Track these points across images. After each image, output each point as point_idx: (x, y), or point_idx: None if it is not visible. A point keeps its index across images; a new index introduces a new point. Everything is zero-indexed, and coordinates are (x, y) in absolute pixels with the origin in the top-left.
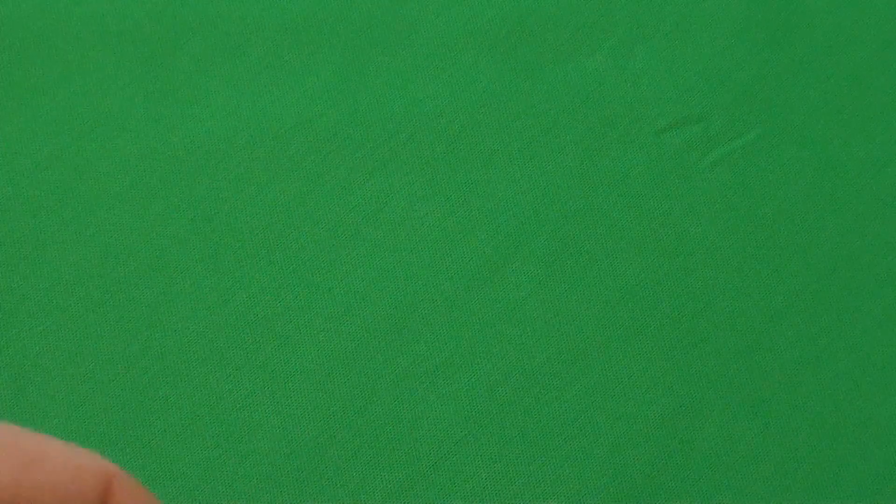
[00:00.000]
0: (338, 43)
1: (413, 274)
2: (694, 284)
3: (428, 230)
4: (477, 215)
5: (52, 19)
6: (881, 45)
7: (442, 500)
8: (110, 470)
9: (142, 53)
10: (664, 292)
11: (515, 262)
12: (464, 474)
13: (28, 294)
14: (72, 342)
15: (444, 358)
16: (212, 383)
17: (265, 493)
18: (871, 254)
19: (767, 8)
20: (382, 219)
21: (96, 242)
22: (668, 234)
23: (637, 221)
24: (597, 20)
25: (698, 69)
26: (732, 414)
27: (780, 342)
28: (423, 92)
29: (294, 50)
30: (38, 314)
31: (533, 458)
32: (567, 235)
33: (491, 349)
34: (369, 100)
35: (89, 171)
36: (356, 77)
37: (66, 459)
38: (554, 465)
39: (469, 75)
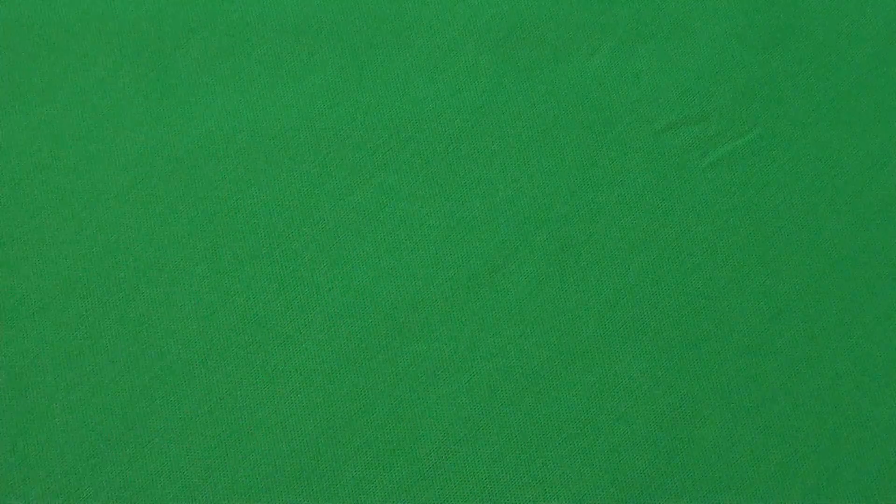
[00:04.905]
0: (338, 43)
1: (413, 274)
2: (694, 284)
3: (428, 230)
4: (477, 215)
5: (52, 19)
6: (881, 45)
7: (442, 500)
8: None
9: (142, 53)
10: (664, 292)
11: (515, 262)
12: (464, 474)
13: (28, 294)
14: (72, 342)
15: (444, 358)
16: (212, 383)
17: (265, 493)
18: (871, 254)
19: (767, 8)
20: (383, 219)
21: (96, 242)
22: (668, 234)
23: (637, 221)
24: (597, 20)
25: (698, 69)
26: (732, 414)
27: (780, 342)
28: (423, 92)
29: (294, 50)
30: (38, 314)
31: (533, 458)
32: (567, 235)
33: (491, 349)
34: (369, 100)
35: (89, 171)
36: (356, 77)
37: None
38: (554, 465)
39: (469, 75)
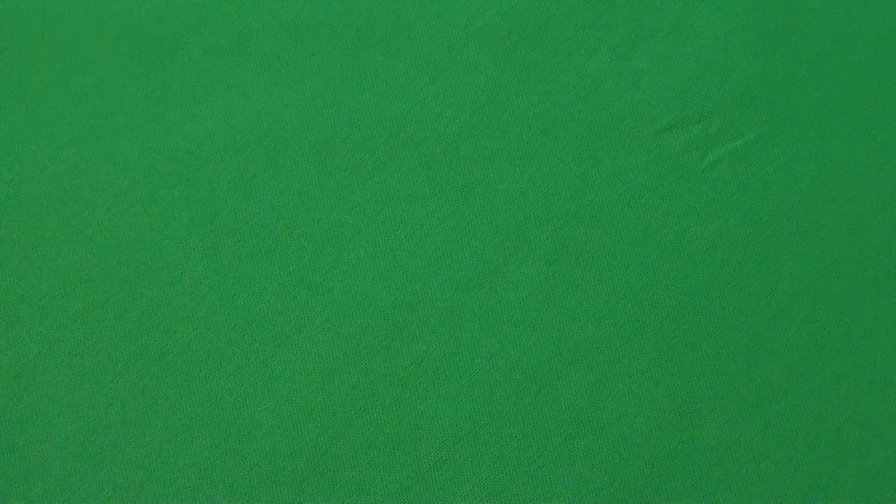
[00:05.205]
0: (338, 43)
1: (413, 274)
2: (694, 284)
3: (428, 230)
4: (477, 215)
5: (52, 19)
6: (881, 45)
7: (442, 500)
8: None
9: (142, 53)
10: (664, 292)
11: (515, 262)
12: (464, 474)
13: (28, 294)
14: (72, 342)
15: (444, 358)
16: (212, 383)
17: (265, 493)
18: (871, 254)
19: (767, 8)
20: (383, 219)
21: (96, 242)
22: (668, 234)
23: (637, 221)
24: (597, 20)
25: (698, 69)
26: (732, 414)
27: (780, 342)
28: (423, 92)
29: (294, 50)
30: (38, 314)
31: (533, 458)
32: (567, 235)
33: (491, 349)
34: (369, 100)
35: (89, 171)
36: (356, 77)
37: None
38: (554, 465)
39: (469, 75)
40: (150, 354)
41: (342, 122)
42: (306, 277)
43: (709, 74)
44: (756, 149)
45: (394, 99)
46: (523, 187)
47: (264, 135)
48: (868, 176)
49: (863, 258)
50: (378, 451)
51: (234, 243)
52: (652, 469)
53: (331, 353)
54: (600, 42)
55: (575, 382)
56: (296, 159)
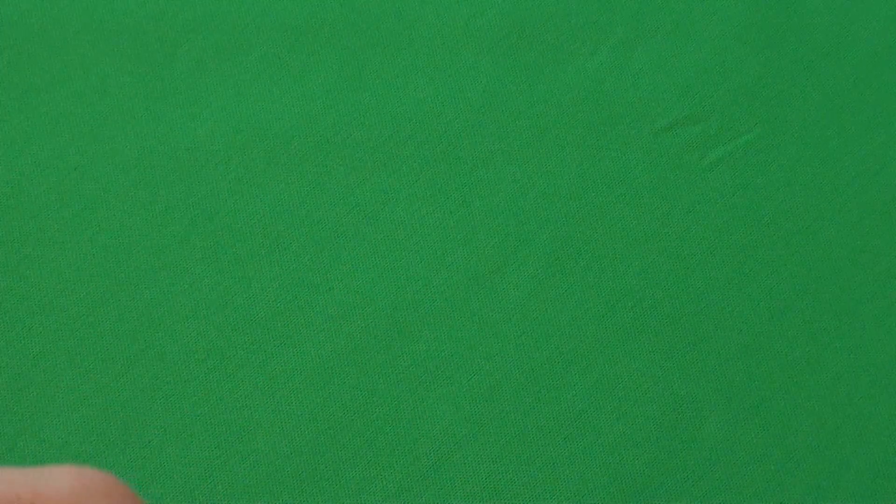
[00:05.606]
0: (338, 43)
1: (413, 274)
2: (694, 284)
3: (428, 230)
4: (477, 215)
5: (52, 19)
6: (881, 45)
7: (442, 500)
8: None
9: (142, 53)
10: (664, 292)
11: (515, 262)
12: (464, 474)
13: (28, 294)
14: (72, 342)
15: (444, 358)
16: (212, 383)
17: (265, 493)
18: (871, 254)
19: (767, 8)
20: (382, 219)
21: (96, 242)
22: (668, 234)
23: (637, 221)
24: (597, 20)
25: (698, 69)
26: (732, 414)
27: (780, 342)
28: (423, 92)
29: (294, 50)
30: (38, 314)
31: (533, 458)
32: (567, 235)
33: (491, 349)
34: (369, 100)
35: (89, 171)
36: (356, 77)
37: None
38: (554, 465)
39: (469, 75)
40: (150, 354)
41: (342, 122)
42: (306, 277)
43: (709, 74)
44: (756, 149)
45: (394, 99)
46: (523, 187)
47: (264, 135)
48: (868, 176)
49: (863, 258)
50: (378, 451)
51: (234, 243)
52: (652, 469)
53: (331, 353)
54: (600, 42)
55: (575, 382)
56: (296, 159)
